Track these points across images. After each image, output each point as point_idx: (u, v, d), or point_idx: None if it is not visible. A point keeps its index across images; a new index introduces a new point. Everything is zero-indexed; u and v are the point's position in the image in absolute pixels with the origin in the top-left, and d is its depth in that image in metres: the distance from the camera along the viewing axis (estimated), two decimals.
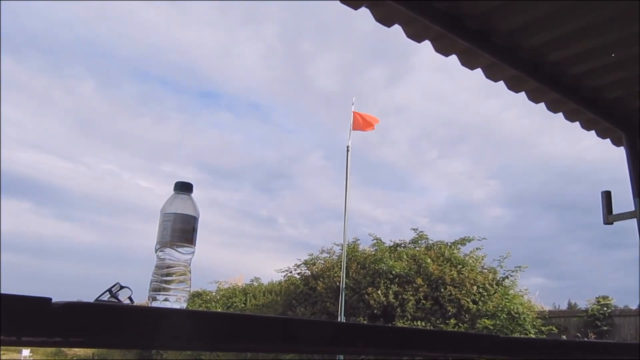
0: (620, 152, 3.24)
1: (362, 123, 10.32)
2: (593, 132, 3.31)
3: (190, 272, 1.05)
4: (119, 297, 0.97)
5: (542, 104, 2.99)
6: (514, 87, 2.80)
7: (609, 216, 3.17)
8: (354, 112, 10.46)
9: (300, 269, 13.27)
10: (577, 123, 3.19)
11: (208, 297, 15.48)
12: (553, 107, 3.02)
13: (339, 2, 2.22)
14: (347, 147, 10.22)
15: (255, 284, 15.74)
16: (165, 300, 1.00)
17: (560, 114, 3.10)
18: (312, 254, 13.10)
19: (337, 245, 12.59)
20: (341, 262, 10.18)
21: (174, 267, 1.02)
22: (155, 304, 0.99)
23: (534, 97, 2.92)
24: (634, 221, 3.02)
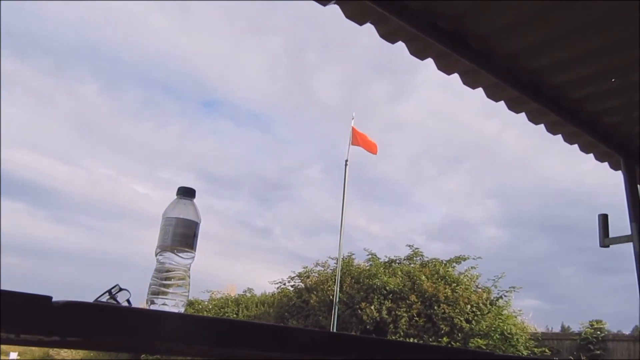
0: (619, 177, 3.26)
1: (360, 141, 10.37)
2: (592, 155, 3.34)
3: (189, 277, 1.06)
4: (118, 299, 0.97)
5: (542, 126, 3.02)
6: (514, 107, 2.83)
7: (606, 239, 3.19)
8: (353, 127, 10.51)
9: (294, 281, 13.21)
10: (576, 146, 3.22)
11: (200, 307, 15.36)
12: (552, 129, 3.05)
13: (344, 17, 2.26)
14: (346, 161, 10.26)
15: (248, 294, 15.64)
16: (164, 304, 1.01)
17: (560, 136, 3.12)
18: (307, 267, 13.07)
19: (332, 259, 12.58)
20: (335, 275, 10.15)
21: (173, 271, 1.03)
22: (153, 308, 0.99)
23: (534, 119, 2.95)
24: (630, 246, 3.04)
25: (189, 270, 1.06)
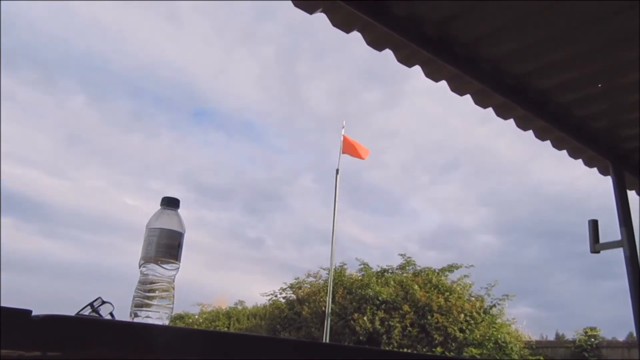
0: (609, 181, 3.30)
1: (351, 149, 10.40)
2: (580, 160, 3.37)
3: (174, 288, 1.05)
4: (100, 312, 0.97)
5: (531, 132, 3.05)
6: (502, 113, 2.86)
7: (596, 245, 3.22)
8: (343, 135, 10.55)
9: (286, 293, 13.14)
10: (565, 151, 3.25)
11: (190, 320, 15.23)
12: (540, 135, 3.08)
13: (331, 25, 2.28)
14: (337, 170, 10.27)
15: (240, 307, 15.54)
16: (147, 316, 1.00)
17: (548, 142, 3.16)
18: (299, 278, 13.02)
19: (324, 269, 12.55)
20: (327, 286, 10.12)
21: (157, 283, 1.03)
22: (137, 320, 0.99)
23: (522, 124, 2.98)
24: (621, 251, 3.06)
25: (174, 281, 1.06)
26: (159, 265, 1.03)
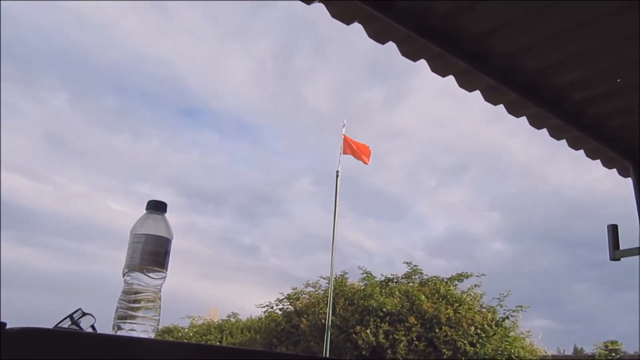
0: (630, 184, 3.29)
1: (352, 150, 10.42)
2: (599, 161, 3.37)
3: (160, 299, 1.05)
4: (81, 325, 0.97)
5: (545, 130, 3.06)
6: (514, 111, 2.86)
7: (616, 252, 3.21)
8: (344, 135, 10.56)
9: (283, 304, 13.15)
10: (582, 151, 3.26)
11: (180, 334, 15.21)
12: (555, 134, 3.08)
13: (330, 16, 2.28)
14: (337, 172, 10.28)
15: (233, 319, 15.53)
16: (132, 329, 1.00)
17: (564, 141, 3.16)
18: (296, 288, 13.03)
19: (324, 278, 12.55)
20: (327, 297, 10.11)
21: (142, 293, 1.02)
22: (120, 333, 0.99)
23: (535, 123, 2.98)
24: None
25: (160, 291, 1.06)
26: (144, 274, 1.03)
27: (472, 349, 10.02)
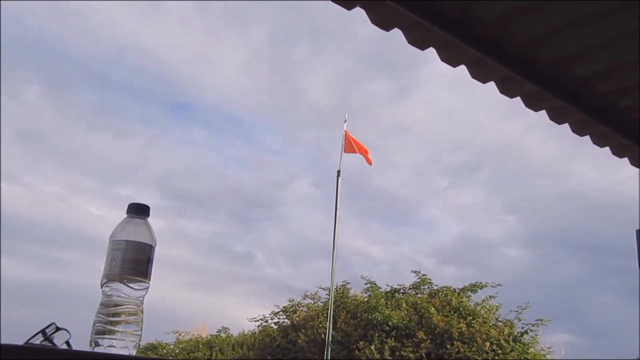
0: None
1: (354, 148, 10.43)
2: (626, 159, 3.38)
3: (142, 312, 1.05)
4: (54, 341, 0.96)
5: (566, 125, 3.06)
6: (532, 104, 2.87)
7: None
8: (345, 132, 10.57)
9: (279, 318, 13.14)
10: (607, 148, 3.26)
11: (165, 351, 15.20)
12: (578, 129, 3.09)
13: (331, 2, 2.28)
14: (338, 172, 10.28)
15: (223, 335, 15.52)
16: (111, 345, 1.00)
17: (587, 138, 3.16)
18: (293, 300, 13.03)
19: (324, 289, 12.55)
20: (327, 310, 10.11)
21: (122, 305, 1.02)
22: (98, 350, 0.98)
23: (556, 117, 2.98)
24: None
25: (142, 304, 1.06)
26: (124, 284, 1.03)
27: None
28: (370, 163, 10.56)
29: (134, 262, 1.04)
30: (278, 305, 13.22)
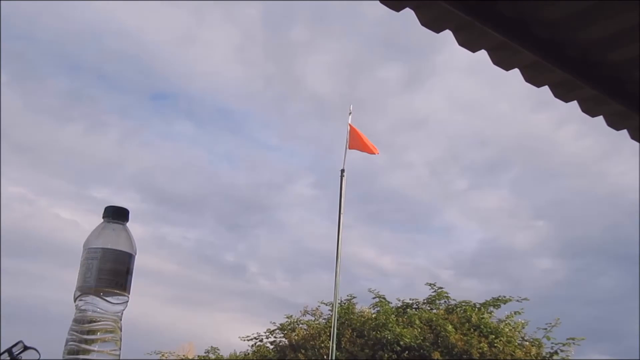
0: None
1: (360, 143, 10.39)
2: None
3: (121, 329, 1.06)
4: None
5: (601, 118, 3.06)
6: (562, 94, 2.87)
7: None
8: (350, 125, 10.54)
9: (275, 336, 13.14)
10: None
11: None
12: (614, 123, 3.09)
13: (379, 2, 2.31)
14: (342, 170, 10.27)
15: (212, 355, 15.51)
16: None
17: (625, 132, 3.17)
18: (292, 316, 13.01)
19: (326, 304, 12.53)
20: (330, 327, 10.11)
21: (99, 321, 1.03)
22: None
23: (590, 109, 2.98)
24: None
25: (121, 320, 1.07)
26: (101, 298, 1.03)
27: None
28: (376, 152, 10.48)
29: (111, 273, 1.05)
30: (274, 323, 13.22)
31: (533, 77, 2.78)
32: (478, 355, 10.36)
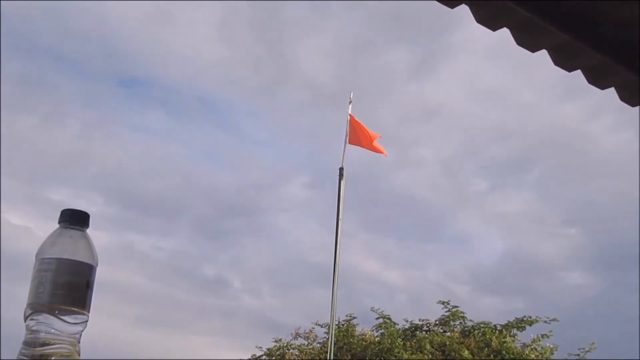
0: None
1: (361, 137, 10.36)
2: None
3: (79, 353, 1.05)
4: None
5: None
6: (597, 80, 2.87)
7: None
8: (350, 116, 10.53)
9: None
10: None
11: None
12: None
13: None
14: (340, 169, 10.27)
15: None
16: None
17: None
18: (281, 340, 13.02)
19: (321, 326, 12.55)
20: (326, 353, 10.12)
21: (53, 344, 1.02)
22: None
23: (629, 97, 2.99)
24: None
25: (79, 342, 1.06)
26: (55, 316, 1.03)
27: None
28: (382, 152, 10.48)
29: (68, 287, 1.04)
30: (261, 347, 13.26)
31: (563, 60, 2.79)
32: None
